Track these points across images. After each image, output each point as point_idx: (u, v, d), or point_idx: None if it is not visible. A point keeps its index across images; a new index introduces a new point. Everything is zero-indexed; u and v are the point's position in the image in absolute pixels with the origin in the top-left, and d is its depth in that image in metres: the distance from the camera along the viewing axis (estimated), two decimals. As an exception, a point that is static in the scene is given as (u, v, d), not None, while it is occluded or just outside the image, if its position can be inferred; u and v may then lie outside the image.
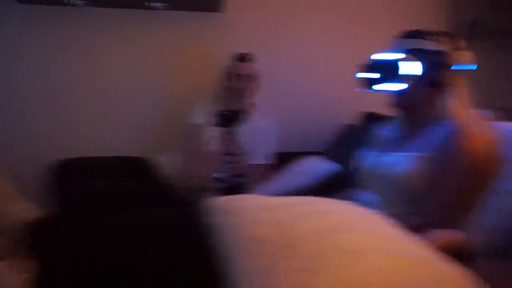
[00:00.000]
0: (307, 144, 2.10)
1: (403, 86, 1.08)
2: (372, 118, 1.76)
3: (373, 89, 1.18)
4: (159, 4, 1.91)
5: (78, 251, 0.89)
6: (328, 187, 1.55)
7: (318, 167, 1.61)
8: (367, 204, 1.11)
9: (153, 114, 2.09)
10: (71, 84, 2.00)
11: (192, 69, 2.10)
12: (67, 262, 0.87)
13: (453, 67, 1.05)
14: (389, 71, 1.11)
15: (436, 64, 1.05)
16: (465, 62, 1.06)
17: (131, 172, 1.74)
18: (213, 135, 1.74)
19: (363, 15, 2.22)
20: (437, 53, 1.06)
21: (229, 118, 1.42)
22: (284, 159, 1.74)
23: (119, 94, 2.05)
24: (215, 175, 1.74)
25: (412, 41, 1.09)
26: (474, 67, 1.10)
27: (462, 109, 1.03)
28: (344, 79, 2.14)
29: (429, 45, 1.07)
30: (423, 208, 0.99)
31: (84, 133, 2.02)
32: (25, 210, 1.02)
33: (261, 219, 0.65)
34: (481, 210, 0.95)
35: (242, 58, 1.75)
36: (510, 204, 0.88)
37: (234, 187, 1.60)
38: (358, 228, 0.61)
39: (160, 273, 0.78)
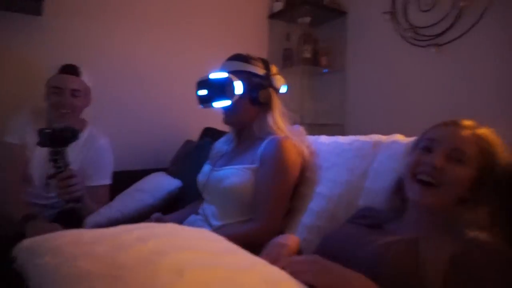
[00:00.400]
0: (149, 162, 2.06)
1: (227, 103, 1.21)
2: (211, 134, 1.87)
3: (202, 106, 1.29)
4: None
5: None
6: (172, 203, 1.57)
7: (161, 184, 1.61)
8: (208, 216, 1.19)
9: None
10: None
11: (8, 79, 1.80)
12: None
13: (270, 89, 1.24)
14: (215, 89, 1.23)
15: (256, 85, 1.21)
16: (279, 85, 1.27)
17: None
18: (35, 156, 1.54)
19: (200, 33, 2.32)
20: (257, 75, 1.22)
21: (53, 137, 1.25)
22: (125, 178, 1.67)
23: None
24: (41, 202, 1.53)
25: (236, 63, 1.24)
26: (286, 89, 1.32)
27: (280, 125, 1.22)
28: (184, 94, 2.22)
29: (250, 67, 1.23)
30: (254, 215, 1.11)
31: None
32: None
33: (82, 254, 0.62)
34: (300, 212, 1.12)
35: (65, 70, 1.56)
36: (322, 206, 1.07)
37: (66, 213, 1.43)
38: (180, 248, 0.63)
39: None
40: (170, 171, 1.74)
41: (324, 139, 1.27)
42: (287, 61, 2.55)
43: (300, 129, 1.29)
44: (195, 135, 2.07)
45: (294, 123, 1.29)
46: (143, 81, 2.16)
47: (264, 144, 1.17)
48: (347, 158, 1.11)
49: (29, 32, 1.84)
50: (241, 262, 0.61)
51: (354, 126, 2.42)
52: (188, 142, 2.00)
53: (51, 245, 0.66)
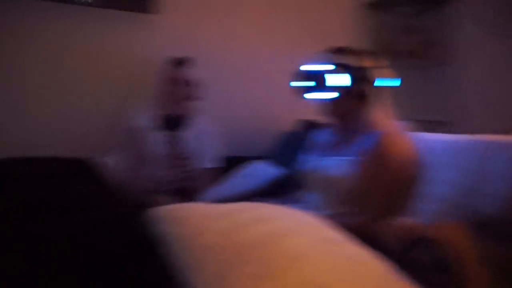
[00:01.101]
0: (252, 149, 2.19)
1: (332, 95, 1.23)
2: (311, 125, 1.90)
3: (305, 97, 1.32)
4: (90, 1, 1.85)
5: (17, 252, 0.86)
6: (274, 190, 1.66)
7: (264, 171, 1.70)
8: (310, 205, 1.24)
9: (91, 114, 2.00)
10: (3, 83, 1.84)
11: (131, 71, 2.05)
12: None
13: (375, 82, 1.23)
14: (320, 81, 1.25)
15: (360, 79, 1.21)
16: (385, 78, 1.25)
17: (72, 173, 1.67)
18: (157, 139, 1.75)
19: (297, 25, 2.37)
20: (363, 68, 1.22)
21: (172, 122, 1.42)
22: (230, 163, 1.81)
23: (56, 93, 1.93)
24: (161, 178, 1.75)
25: (339, 56, 1.24)
26: (397, 83, 1.29)
27: (385, 120, 1.21)
28: (282, 86, 2.29)
29: (354, 61, 1.22)
30: (358, 209, 1.12)
31: (19, 133, 1.87)
32: None
33: (206, 228, 0.67)
34: (408, 211, 1.10)
35: (179, 62, 1.74)
36: (431, 206, 1.03)
37: (181, 191, 1.62)
38: (300, 232, 0.64)
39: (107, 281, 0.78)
40: (270, 160, 1.82)
41: (432, 136, 1.22)
42: (386, 54, 2.43)
43: (407, 125, 1.26)
44: (292, 125, 2.13)
45: (402, 119, 1.27)
46: (246, 73, 2.28)
47: (369, 138, 1.17)
48: (459, 157, 1.06)
49: (146, 29, 2.06)
50: (361, 254, 0.61)
51: (461, 124, 2.24)
52: (286, 131, 2.07)
53: (178, 216, 0.74)
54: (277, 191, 1.62)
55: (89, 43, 1.98)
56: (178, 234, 0.69)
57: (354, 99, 1.23)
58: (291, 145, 1.84)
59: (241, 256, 0.57)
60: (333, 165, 1.20)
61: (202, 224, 0.70)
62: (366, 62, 1.23)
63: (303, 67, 1.30)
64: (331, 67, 1.22)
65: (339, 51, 1.26)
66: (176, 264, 0.65)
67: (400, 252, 0.73)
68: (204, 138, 1.77)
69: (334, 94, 1.23)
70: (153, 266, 0.74)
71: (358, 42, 2.46)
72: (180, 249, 0.67)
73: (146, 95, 1.86)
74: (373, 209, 1.10)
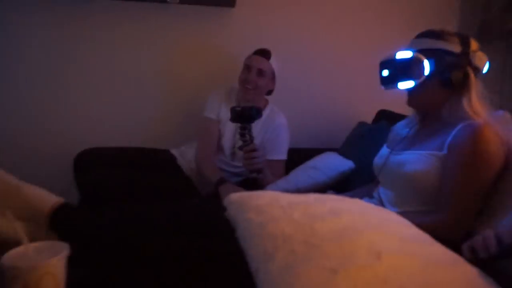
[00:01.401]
0: (322, 141, 2.13)
1: (411, 84, 1.11)
2: (386, 116, 1.78)
3: (385, 87, 1.21)
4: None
5: (100, 238, 0.93)
6: (344, 184, 1.58)
7: (334, 163, 1.63)
8: (384, 201, 1.15)
9: (169, 106, 2.12)
10: (89, 78, 2.02)
11: (206, 63, 2.13)
12: (93, 246, 0.91)
13: (467, 68, 1.07)
14: (399, 69, 1.14)
15: (449, 65, 1.07)
16: (479, 64, 1.08)
17: (149, 163, 1.78)
18: (227, 130, 1.78)
19: (376, 14, 2.23)
20: (451, 53, 1.07)
21: (242, 114, 1.42)
22: (299, 155, 1.77)
23: (135, 87, 2.08)
24: (229, 169, 1.78)
25: (426, 41, 1.11)
26: (487, 68, 1.12)
27: (477, 110, 1.05)
28: (358, 77, 2.18)
29: (443, 45, 1.08)
30: (439, 207, 1.00)
31: (101, 125, 2.05)
32: (42, 195, 1.04)
33: (281, 217, 0.66)
34: (502, 211, 0.95)
35: (257, 52, 1.76)
36: None
37: (250, 182, 1.62)
38: (377, 229, 0.62)
39: (185, 266, 0.79)
40: (342, 152, 1.74)
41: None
42: (485, 35, 2.14)
43: (505, 115, 1.08)
44: (368, 117, 2.01)
45: (497, 108, 1.09)
46: (318, 64, 2.22)
47: (456, 129, 1.03)
48: None
49: (224, 22, 2.10)
50: (439, 255, 0.56)
51: None
52: (361, 123, 1.96)
53: (254, 204, 0.73)
54: (350, 185, 1.54)
55: (167, 38, 2.08)
56: (255, 221, 0.70)
57: (438, 87, 1.09)
58: (364, 137, 1.73)
59: (316, 248, 0.56)
60: (412, 160, 1.08)
61: (277, 212, 0.69)
62: (456, 46, 1.08)
63: (386, 56, 1.20)
64: (409, 53, 1.10)
65: (425, 35, 1.14)
66: (247, 250, 0.66)
67: (487, 259, 0.63)
68: (273, 130, 1.76)
69: (411, 83, 1.10)
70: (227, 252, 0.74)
71: (451, 24, 2.23)
72: (250, 237, 0.67)
73: (220, 87, 1.90)
74: (457, 208, 0.97)
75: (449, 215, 0.96)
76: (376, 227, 0.62)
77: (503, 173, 0.99)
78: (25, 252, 0.68)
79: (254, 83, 1.70)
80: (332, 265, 0.52)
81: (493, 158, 0.98)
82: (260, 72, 1.71)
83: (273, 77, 1.78)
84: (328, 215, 0.64)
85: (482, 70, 1.09)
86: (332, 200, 0.73)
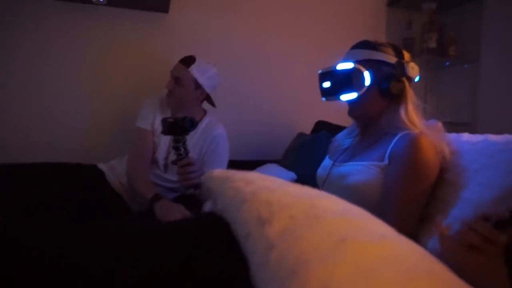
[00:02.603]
0: (262, 153, 2.09)
1: (354, 95, 1.11)
2: (324, 127, 1.80)
3: (325, 99, 1.21)
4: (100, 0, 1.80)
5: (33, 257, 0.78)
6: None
7: (276, 175, 1.58)
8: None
9: (97, 116, 1.95)
10: (6, 84, 1.79)
11: (138, 71, 2.00)
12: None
13: (403, 78, 1.11)
14: (340, 80, 1.14)
15: (387, 75, 1.09)
16: (412, 74, 1.12)
17: (74, 179, 1.58)
18: (161, 142, 1.66)
19: (313, 24, 2.28)
20: (388, 64, 1.10)
21: (175, 125, 1.31)
22: (239, 168, 1.70)
23: (57, 95, 1.88)
24: (164, 184, 1.65)
25: (363, 52, 1.13)
26: (417, 79, 1.17)
27: (413, 119, 1.08)
28: (296, 87, 2.20)
29: (380, 56, 1.11)
30: (382, 218, 1.00)
31: (18, 138, 1.81)
32: None
33: (277, 188, 0.59)
34: (443, 219, 0.98)
35: (181, 59, 1.68)
36: (469, 213, 0.92)
37: (186, 198, 1.52)
38: (368, 217, 0.56)
39: None
40: (283, 163, 1.72)
41: (468, 137, 1.09)
42: (408, 52, 2.31)
43: (438, 124, 1.12)
44: (307, 128, 2.03)
45: (429, 116, 1.14)
46: (258, 74, 2.19)
47: (395, 140, 1.04)
48: (502, 159, 0.93)
49: (157, 28, 2.00)
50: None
51: (488, 126, 2.10)
52: (301, 134, 1.96)
53: (244, 176, 0.65)
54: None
55: (95, 43, 1.91)
56: (245, 189, 0.61)
57: (378, 97, 1.11)
58: (304, 149, 1.72)
59: (319, 219, 0.48)
60: (355, 171, 1.07)
61: (271, 184, 0.61)
62: (391, 57, 1.11)
63: (324, 68, 1.19)
64: (350, 65, 1.11)
65: (363, 46, 1.15)
66: (234, 218, 0.59)
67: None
68: (210, 142, 1.68)
69: (353, 95, 1.11)
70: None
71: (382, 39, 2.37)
72: (249, 201, 0.58)
73: (156, 96, 1.78)
74: (401, 217, 0.97)
75: (395, 224, 0.96)
76: (368, 216, 0.56)
77: (438, 181, 1.02)
78: None
79: (170, 91, 1.63)
80: (341, 233, 0.45)
81: (430, 166, 1.00)
82: (177, 81, 1.63)
83: (197, 86, 1.67)
84: (325, 195, 0.58)
85: (415, 79, 1.14)
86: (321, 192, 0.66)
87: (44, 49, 1.84)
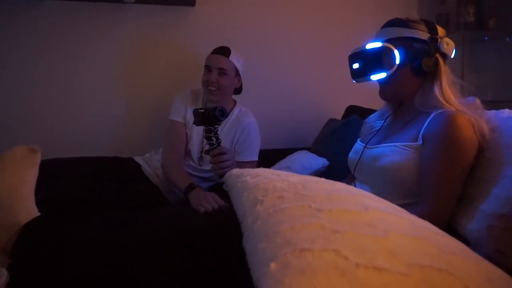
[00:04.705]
0: (293, 140, 2.09)
1: (383, 75, 1.08)
2: (356, 112, 1.76)
3: (356, 81, 1.18)
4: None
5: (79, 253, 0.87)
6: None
7: (307, 162, 1.59)
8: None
9: (131, 112, 2.02)
10: (43, 83, 1.89)
11: (169, 65, 2.04)
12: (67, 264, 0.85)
13: (437, 55, 1.06)
14: (369, 60, 1.11)
15: (419, 52, 1.05)
16: (447, 49, 1.07)
17: (113, 172, 1.66)
18: (194, 134, 1.69)
19: (341, 8, 2.23)
20: (419, 40, 1.06)
21: (206, 116, 1.33)
22: (271, 156, 1.71)
23: (93, 93, 1.96)
24: (198, 174, 1.69)
25: (393, 30, 1.09)
26: (453, 55, 1.11)
27: (449, 97, 1.03)
28: (326, 73, 2.17)
29: (411, 32, 1.06)
30: (419, 200, 0.98)
31: (61, 135, 1.92)
32: (27, 209, 0.94)
33: (278, 179, 0.68)
34: (478, 199, 0.94)
35: (216, 50, 1.68)
36: (508, 192, 0.87)
37: (219, 187, 1.54)
38: (366, 195, 0.64)
39: None
40: (314, 150, 1.70)
41: (509, 113, 1.03)
42: (442, 27, 2.20)
43: (476, 101, 1.07)
44: (337, 114, 2.00)
45: (467, 94, 1.08)
46: (285, 61, 2.18)
47: (429, 119, 1.01)
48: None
49: (184, 22, 2.03)
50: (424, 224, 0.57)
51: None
52: (332, 120, 1.93)
53: (253, 172, 0.75)
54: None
55: (125, 40, 1.98)
56: (250, 182, 0.71)
57: (410, 76, 1.07)
58: (336, 134, 1.70)
59: (305, 197, 0.58)
60: (387, 152, 1.05)
61: (274, 176, 0.71)
62: (423, 34, 1.06)
63: (355, 49, 1.16)
64: (379, 44, 1.07)
65: (393, 24, 1.11)
66: (237, 205, 0.69)
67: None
68: (241, 131, 1.69)
69: (383, 74, 1.08)
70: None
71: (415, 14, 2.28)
72: (249, 189, 0.68)
73: (187, 89, 1.81)
74: (440, 198, 0.94)
75: (434, 206, 0.94)
76: (368, 195, 0.65)
77: (477, 160, 0.98)
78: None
79: (217, 83, 1.63)
80: (318, 206, 0.53)
81: (468, 145, 0.96)
82: (222, 71, 1.64)
83: (236, 74, 1.70)
84: (324, 183, 0.68)
85: (450, 55, 1.09)
86: (328, 182, 0.73)
87: (80, 49, 1.92)
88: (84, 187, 1.44)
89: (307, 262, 0.41)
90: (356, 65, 1.16)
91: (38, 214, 0.95)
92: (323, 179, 0.71)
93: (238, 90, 1.78)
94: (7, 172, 0.93)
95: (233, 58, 1.67)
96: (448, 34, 1.18)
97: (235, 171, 0.82)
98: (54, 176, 1.51)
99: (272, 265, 0.42)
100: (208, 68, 1.66)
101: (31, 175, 0.98)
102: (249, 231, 0.56)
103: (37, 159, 1.00)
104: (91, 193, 1.42)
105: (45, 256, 0.87)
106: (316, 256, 0.42)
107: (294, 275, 0.39)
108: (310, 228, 0.48)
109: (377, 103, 1.22)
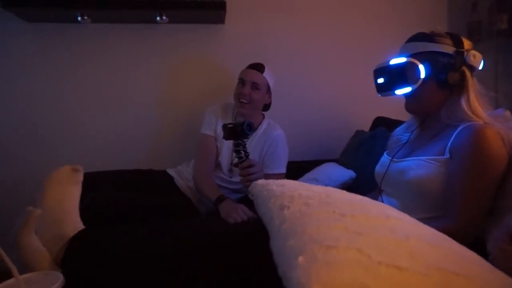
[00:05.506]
0: (320, 152, 2.10)
1: (408, 89, 1.09)
2: (383, 123, 1.76)
3: (381, 95, 1.20)
4: (163, 18, 1.94)
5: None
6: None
7: (334, 174, 1.60)
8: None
9: (164, 126, 2.12)
10: (82, 101, 2.03)
11: (200, 81, 2.13)
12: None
13: (463, 68, 1.06)
14: (394, 75, 1.12)
15: (444, 66, 1.05)
16: (474, 62, 1.06)
17: (147, 184, 1.74)
18: (223, 147, 1.75)
19: (367, 20, 2.24)
20: (445, 54, 1.06)
21: (234, 131, 1.38)
22: (299, 168, 1.73)
23: (128, 108, 2.08)
24: (228, 186, 1.75)
25: (418, 44, 1.10)
26: (482, 66, 1.10)
27: (476, 110, 1.03)
28: (353, 85, 2.18)
29: (436, 47, 1.07)
30: (445, 213, 0.97)
31: (97, 149, 2.05)
32: (73, 222, 1.03)
33: (299, 187, 0.75)
34: (509, 212, 0.92)
35: (251, 65, 1.76)
36: None
37: (250, 199, 1.58)
38: (390, 208, 0.70)
39: None
40: (342, 162, 1.71)
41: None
42: (474, 36, 2.17)
43: (505, 113, 1.06)
44: (365, 126, 2.00)
45: (496, 106, 1.07)
46: (313, 74, 2.21)
47: (456, 132, 1.00)
48: None
49: (215, 39, 2.11)
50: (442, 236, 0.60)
51: None
52: (359, 132, 1.94)
53: (278, 182, 0.81)
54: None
55: (159, 58, 2.08)
56: (275, 190, 0.76)
57: (435, 89, 1.08)
58: (363, 146, 1.70)
59: (329, 204, 0.63)
60: (414, 166, 1.05)
61: (299, 186, 0.77)
62: (448, 47, 1.07)
63: (380, 63, 1.18)
64: (403, 59, 1.09)
65: (418, 38, 1.12)
66: (264, 211, 0.73)
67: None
68: (270, 144, 1.73)
69: (408, 89, 1.09)
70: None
71: (438, 25, 2.24)
72: (275, 197, 0.72)
73: (217, 103, 1.88)
74: (467, 212, 0.94)
75: (461, 219, 0.93)
76: (389, 207, 0.71)
77: (508, 172, 0.97)
78: (15, 285, 0.65)
79: (249, 96, 1.69)
80: (341, 211, 0.58)
81: (497, 158, 0.95)
82: (255, 86, 1.70)
83: (268, 90, 1.76)
84: (346, 194, 0.73)
85: (478, 68, 1.08)
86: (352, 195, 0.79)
87: (117, 67, 2.05)
88: (122, 199, 1.52)
89: (333, 256, 0.45)
90: (381, 80, 1.17)
91: (83, 227, 1.03)
92: (345, 191, 0.75)
93: (266, 107, 1.83)
94: (55, 190, 1.02)
95: (267, 74, 1.74)
96: (480, 43, 1.16)
97: (261, 181, 0.88)
98: (93, 188, 1.61)
99: (300, 258, 0.46)
100: (242, 82, 1.72)
101: (75, 192, 1.07)
102: (277, 231, 0.60)
103: (80, 177, 1.09)
104: (129, 205, 1.50)
105: (93, 266, 0.95)
106: (341, 252, 0.46)
107: (321, 267, 0.43)
108: (334, 229, 0.52)
109: (405, 115, 1.23)
